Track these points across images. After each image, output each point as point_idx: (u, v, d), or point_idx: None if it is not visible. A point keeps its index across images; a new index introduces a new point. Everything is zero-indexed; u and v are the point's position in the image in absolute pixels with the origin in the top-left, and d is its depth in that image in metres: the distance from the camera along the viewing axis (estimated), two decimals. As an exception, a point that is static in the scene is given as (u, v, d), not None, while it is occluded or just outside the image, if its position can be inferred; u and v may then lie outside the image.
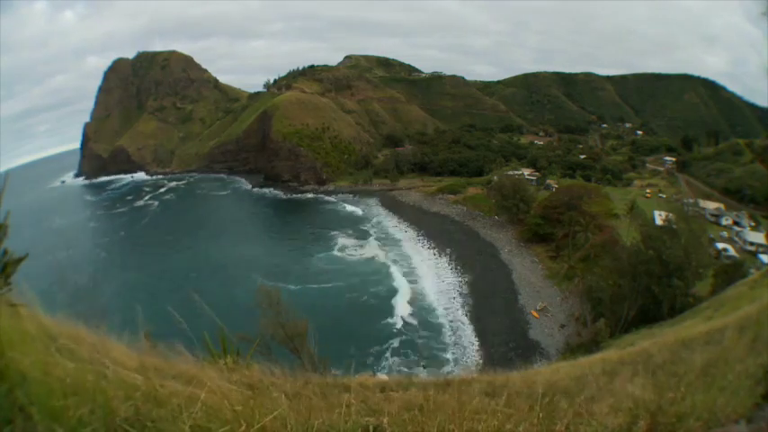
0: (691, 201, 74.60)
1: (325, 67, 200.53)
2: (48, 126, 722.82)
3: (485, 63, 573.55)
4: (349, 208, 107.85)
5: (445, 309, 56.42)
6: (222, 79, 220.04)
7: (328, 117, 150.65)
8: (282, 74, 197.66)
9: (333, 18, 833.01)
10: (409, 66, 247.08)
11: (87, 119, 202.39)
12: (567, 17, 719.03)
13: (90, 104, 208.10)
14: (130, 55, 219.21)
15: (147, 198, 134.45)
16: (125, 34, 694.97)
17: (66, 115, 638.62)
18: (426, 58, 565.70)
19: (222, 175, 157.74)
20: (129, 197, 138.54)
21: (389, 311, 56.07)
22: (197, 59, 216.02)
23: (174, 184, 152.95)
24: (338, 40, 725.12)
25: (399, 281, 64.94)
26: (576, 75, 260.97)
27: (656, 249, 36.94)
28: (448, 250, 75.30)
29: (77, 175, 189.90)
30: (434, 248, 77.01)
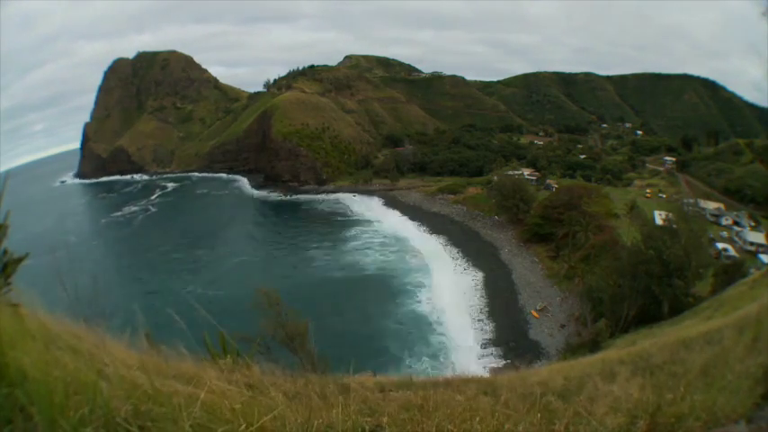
0: (691, 201, 74.48)
1: (326, 67, 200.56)
2: (43, 125, 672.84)
3: (522, 61, 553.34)
4: (348, 208, 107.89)
5: (445, 309, 56.43)
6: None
7: (328, 117, 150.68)
8: (283, 73, 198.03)
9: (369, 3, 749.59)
10: (409, 66, 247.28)
11: (83, 117, 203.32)
12: (620, 15, 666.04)
13: (85, 100, 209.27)
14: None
15: (146, 198, 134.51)
16: (118, 15, 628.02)
17: (61, 114, 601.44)
18: (461, 53, 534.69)
19: (222, 175, 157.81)
20: (129, 197, 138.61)
21: (388, 311, 56.10)
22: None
23: (173, 184, 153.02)
24: (367, 30, 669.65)
25: (398, 280, 64.98)
26: (576, 75, 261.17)
27: (656, 249, 36.90)
28: (447, 250, 75.38)
29: (77, 176, 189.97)
30: (434, 248, 77.04)
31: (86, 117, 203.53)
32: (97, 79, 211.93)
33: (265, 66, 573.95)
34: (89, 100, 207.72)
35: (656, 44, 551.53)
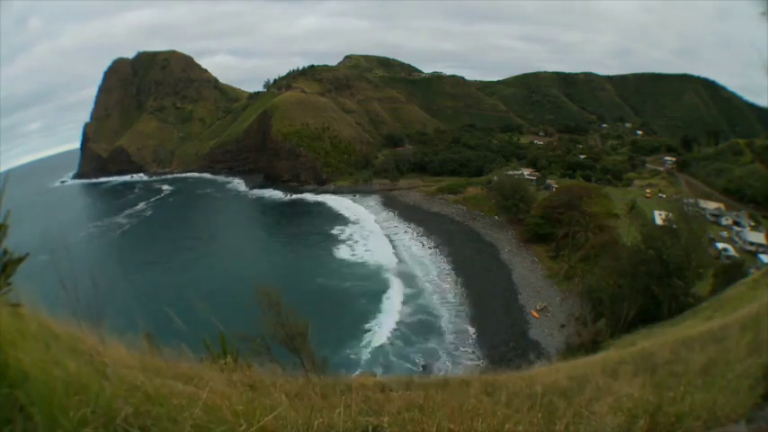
0: (691, 201, 74.47)
1: (326, 67, 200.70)
2: (39, 124, 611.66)
3: (556, 61, 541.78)
4: (349, 208, 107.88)
5: (445, 308, 56.41)
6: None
7: (328, 117, 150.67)
8: (282, 74, 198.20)
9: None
10: (409, 66, 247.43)
11: (81, 116, 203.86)
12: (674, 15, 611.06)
13: (80, 96, 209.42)
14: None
15: (146, 198, 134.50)
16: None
17: (57, 111, 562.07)
18: (500, 48, 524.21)
19: (222, 176, 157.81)
20: (129, 197, 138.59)
21: (389, 311, 56.08)
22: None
23: (173, 184, 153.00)
24: (408, 20, 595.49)
25: (399, 280, 64.93)
26: (576, 75, 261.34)
27: (656, 249, 36.87)
28: (448, 250, 75.36)
29: (77, 176, 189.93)
30: (434, 248, 77.04)
31: (84, 115, 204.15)
32: (90, 69, 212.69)
33: (283, 58, 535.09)
34: (85, 96, 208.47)
35: (703, 48, 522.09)
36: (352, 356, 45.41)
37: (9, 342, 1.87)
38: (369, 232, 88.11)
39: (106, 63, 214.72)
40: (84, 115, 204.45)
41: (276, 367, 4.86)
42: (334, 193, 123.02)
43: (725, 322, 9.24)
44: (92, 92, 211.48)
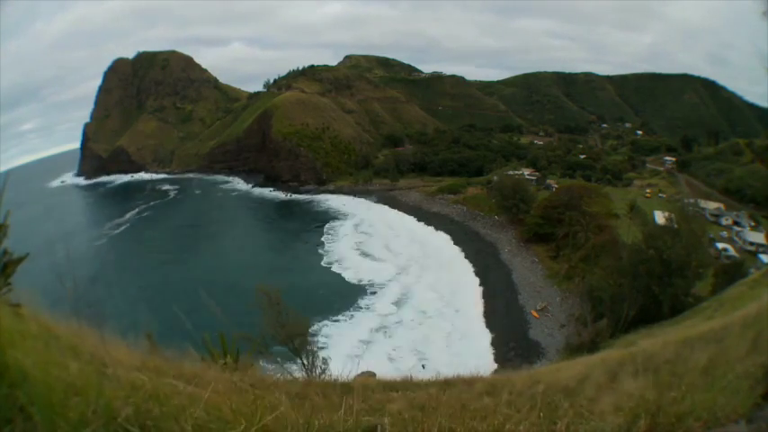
0: (691, 201, 74.42)
1: (326, 67, 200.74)
2: (33, 124, 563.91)
3: (593, 62, 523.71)
4: (349, 208, 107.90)
5: (445, 308, 56.40)
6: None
7: (328, 117, 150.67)
8: (282, 74, 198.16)
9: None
10: (409, 66, 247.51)
11: (79, 115, 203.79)
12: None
13: (73, 92, 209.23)
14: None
15: (146, 198, 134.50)
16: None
17: (50, 110, 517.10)
18: (542, 47, 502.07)
19: (222, 175, 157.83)
20: (129, 197, 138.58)
21: (389, 310, 56.06)
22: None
23: (174, 184, 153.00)
24: (448, 10, 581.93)
25: (399, 279, 64.92)
26: (576, 75, 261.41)
27: (656, 249, 36.83)
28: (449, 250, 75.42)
29: (77, 175, 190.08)
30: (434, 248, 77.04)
31: (81, 114, 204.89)
32: (86, 61, 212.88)
33: (305, 49, 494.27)
34: (81, 93, 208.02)
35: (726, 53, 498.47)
36: (351, 355, 45.37)
37: (9, 342, 1.87)
38: (370, 231, 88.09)
39: (103, 54, 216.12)
40: (82, 114, 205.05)
41: (276, 367, 4.87)
42: (333, 192, 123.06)
43: (725, 322, 9.24)
44: (88, 87, 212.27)
